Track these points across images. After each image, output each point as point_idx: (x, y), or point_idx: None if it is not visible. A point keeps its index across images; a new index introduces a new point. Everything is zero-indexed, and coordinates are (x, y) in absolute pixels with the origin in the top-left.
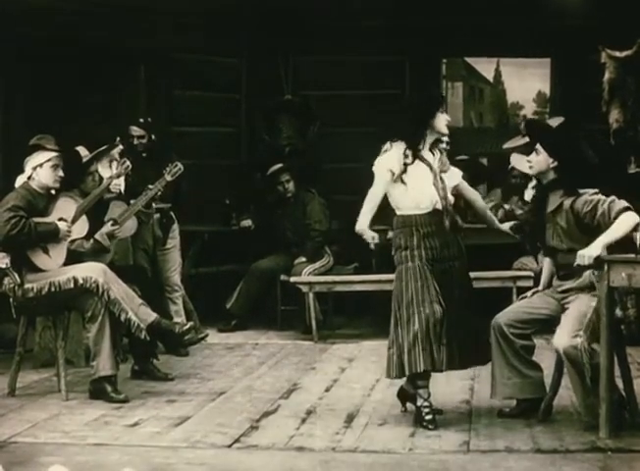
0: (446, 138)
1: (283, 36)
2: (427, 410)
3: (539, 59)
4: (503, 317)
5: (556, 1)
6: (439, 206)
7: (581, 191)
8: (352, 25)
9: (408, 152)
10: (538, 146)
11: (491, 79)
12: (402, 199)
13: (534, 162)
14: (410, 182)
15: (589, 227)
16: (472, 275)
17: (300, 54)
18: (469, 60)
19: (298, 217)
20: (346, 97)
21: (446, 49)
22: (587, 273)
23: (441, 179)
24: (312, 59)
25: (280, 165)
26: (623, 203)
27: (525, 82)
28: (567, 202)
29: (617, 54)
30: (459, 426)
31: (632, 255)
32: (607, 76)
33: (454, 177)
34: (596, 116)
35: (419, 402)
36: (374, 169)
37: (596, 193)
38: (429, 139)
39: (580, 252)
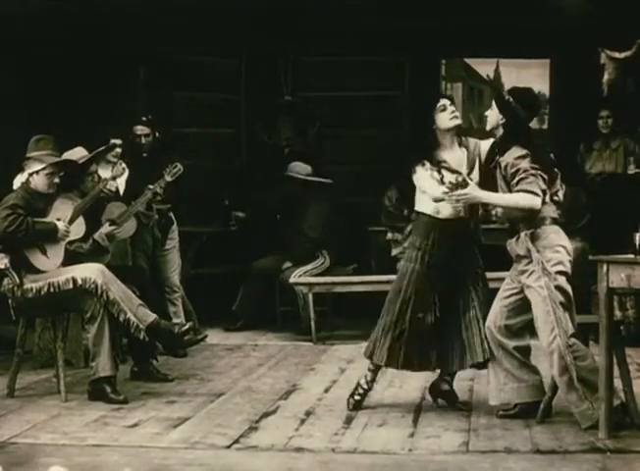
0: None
1: (283, 36)
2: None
3: (539, 60)
4: (489, 320)
5: (555, 2)
6: (462, 214)
7: (512, 149)
8: (352, 25)
9: (434, 168)
10: (493, 102)
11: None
12: (426, 201)
13: (489, 117)
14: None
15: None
16: None
17: (300, 54)
18: (469, 60)
19: (296, 219)
20: (345, 98)
21: (445, 49)
22: (523, 236)
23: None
24: (312, 59)
25: (307, 167)
26: (533, 188)
27: (525, 83)
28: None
29: (617, 55)
30: (459, 426)
31: (631, 256)
32: (606, 76)
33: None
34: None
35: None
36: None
37: (523, 157)
38: (446, 142)
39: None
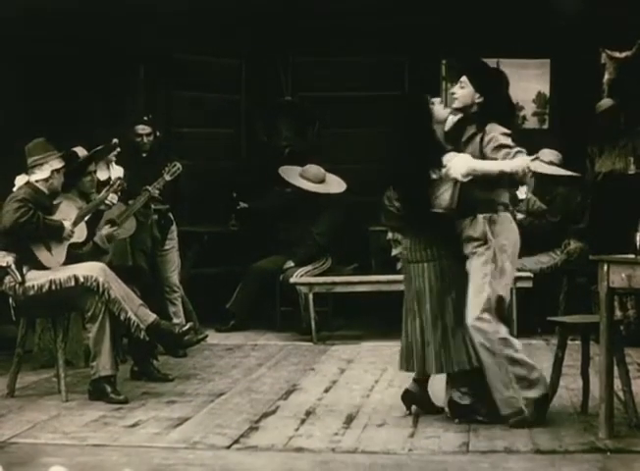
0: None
1: (283, 37)
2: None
3: (539, 60)
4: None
5: (555, 1)
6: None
7: (492, 124)
8: (352, 25)
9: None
10: (464, 79)
11: None
12: None
13: (459, 95)
14: None
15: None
16: None
17: (300, 55)
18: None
19: (305, 220)
20: (345, 98)
21: (446, 49)
22: (481, 219)
23: None
24: (312, 59)
25: (320, 170)
26: (525, 158)
27: (525, 83)
28: (480, 134)
29: (617, 55)
30: (459, 427)
31: (632, 256)
32: (606, 76)
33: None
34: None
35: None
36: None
37: (507, 135)
38: (442, 132)
39: (452, 163)
